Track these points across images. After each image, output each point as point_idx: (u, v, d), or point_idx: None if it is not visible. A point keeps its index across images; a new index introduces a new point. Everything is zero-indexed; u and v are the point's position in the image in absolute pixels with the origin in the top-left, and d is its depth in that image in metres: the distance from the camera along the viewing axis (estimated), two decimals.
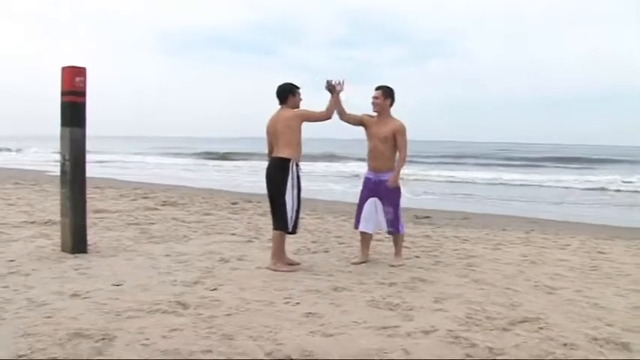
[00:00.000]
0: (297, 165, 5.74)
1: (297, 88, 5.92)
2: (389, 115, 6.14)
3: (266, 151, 6.04)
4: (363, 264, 6.18)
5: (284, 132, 5.74)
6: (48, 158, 34.28)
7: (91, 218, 8.87)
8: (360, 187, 6.34)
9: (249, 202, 12.51)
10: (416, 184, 19.91)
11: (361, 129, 6.24)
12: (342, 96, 5.97)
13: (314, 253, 6.82)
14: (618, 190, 19.86)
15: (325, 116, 5.85)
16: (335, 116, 6.01)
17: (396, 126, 6.06)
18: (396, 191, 6.15)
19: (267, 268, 5.75)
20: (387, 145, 6.08)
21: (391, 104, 6.15)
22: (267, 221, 7.92)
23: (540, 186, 21.88)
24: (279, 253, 5.82)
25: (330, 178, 25.09)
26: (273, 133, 5.87)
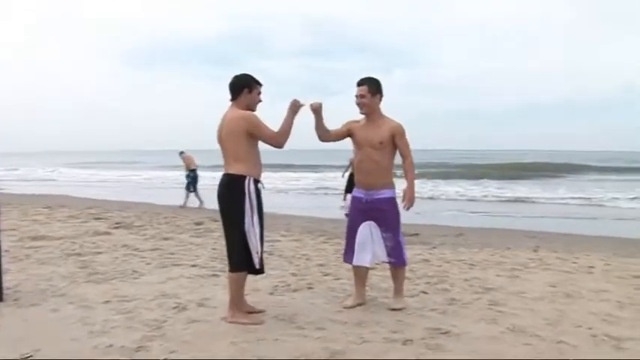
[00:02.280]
0: (255, 182, 4.36)
1: (258, 83, 4.51)
2: (381, 115, 4.85)
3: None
4: (358, 307, 4.86)
5: (228, 139, 4.36)
6: None
7: (25, 249, 7.50)
8: (345, 207, 5.02)
9: (216, 221, 11.07)
10: None
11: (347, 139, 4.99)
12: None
13: (295, 291, 5.45)
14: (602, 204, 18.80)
15: (275, 141, 4.38)
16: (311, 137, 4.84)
17: (392, 127, 4.78)
18: (394, 211, 4.84)
19: (224, 319, 4.40)
20: (384, 152, 4.78)
21: (380, 100, 4.86)
22: None
23: (519, 199, 20.88)
24: (237, 299, 4.45)
25: (294, 192, 23.73)
26: (219, 141, 4.47)
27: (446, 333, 4.09)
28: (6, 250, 7.22)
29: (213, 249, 7.73)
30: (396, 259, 4.83)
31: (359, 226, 4.86)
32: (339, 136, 4.94)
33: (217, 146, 4.50)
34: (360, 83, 4.82)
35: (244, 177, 4.30)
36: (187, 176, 16.59)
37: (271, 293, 5.31)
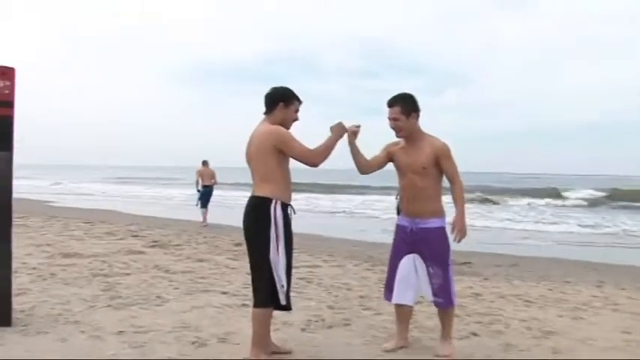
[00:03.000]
0: (283, 207, 3.84)
1: (297, 99, 4.02)
2: (421, 135, 4.25)
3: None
4: (400, 350, 4.26)
5: (256, 158, 3.87)
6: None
7: (53, 266, 7.19)
8: (392, 237, 4.45)
9: None
10: None
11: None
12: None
13: (329, 327, 4.88)
14: None
15: (311, 158, 3.87)
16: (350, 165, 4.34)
17: (436, 148, 4.17)
18: (443, 243, 4.21)
19: None
20: (428, 177, 4.18)
21: (417, 118, 4.25)
22: None
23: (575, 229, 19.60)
24: (262, 339, 3.88)
25: (340, 214, 23.07)
26: (248, 159, 4.00)
27: None
28: (33, 268, 6.99)
29: (248, 274, 7.23)
30: (444, 300, 4.19)
31: (402, 258, 4.27)
32: (380, 164, 4.39)
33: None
34: (391, 104, 4.20)
35: (271, 200, 3.79)
36: (198, 191, 15.98)
37: (303, 329, 4.77)
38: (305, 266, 8.36)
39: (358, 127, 4.19)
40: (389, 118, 4.21)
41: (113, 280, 6.53)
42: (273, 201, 3.79)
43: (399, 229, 4.35)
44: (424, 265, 4.19)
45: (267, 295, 3.81)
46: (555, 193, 36.14)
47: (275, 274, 3.78)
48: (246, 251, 3.97)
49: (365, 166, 4.32)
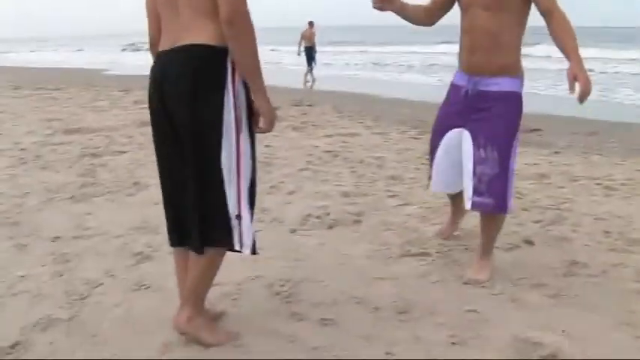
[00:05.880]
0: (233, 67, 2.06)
1: None
2: None
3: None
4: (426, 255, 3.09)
5: None
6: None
7: (47, 146, 6.34)
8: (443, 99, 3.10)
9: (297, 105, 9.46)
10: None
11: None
12: None
13: (330, 227, 3.67)
14: None
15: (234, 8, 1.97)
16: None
17: None
18: (512, 113, 2.80)
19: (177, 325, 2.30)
20: (505, 15, 2.70)
21: None
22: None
23: None
24: (201, 297, 2.31)
25: (397, 68, 20.83)
26: None
27: (553, 355, 2.18)
28: (22, 149, 6.14)
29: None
30: (494, 201, 2.78)
31: (446, 132, 2.95)
32: (445, 5, 3.00)
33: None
34: None
35: (223, 52, 2.04)
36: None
37: (293, 231, 3.60)
38: (339, 134, 7.15)
39: None
40: None
41: (100, 161, 5.56)
42: (225, 54, 2.05)
43: (454, 89, 2.97)
44: (471, 144, 2.81)
45: (215, 226, 2.14)
46: None
47: (227, 195, 2.11)
48: (162, 153, 2.23)
49: (419, 16, 3.04)
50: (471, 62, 2.83)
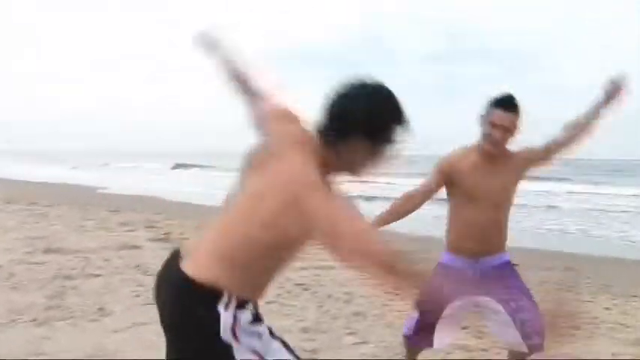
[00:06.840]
0: (239, 304, 1.69)
1: (398, 120, 1.75)
2: (506, 151, 3.01)
3: None
4: None
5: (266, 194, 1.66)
6: None
7: (23, 264, 6.43)
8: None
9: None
10: None
11: None
12: None
13: None
14: None
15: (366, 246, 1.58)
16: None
17: (523, 160, 3.05)
18: (516, 271, 3.13)
19: None
20: (507, 204, 3.06)
21: None
22: None
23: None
24: None
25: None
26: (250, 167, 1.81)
27: None
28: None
29: None
30: (540, 338, 2.85)
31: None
32: (428, 197, 3.11)
33: None
34: (510, 107, 2.88)
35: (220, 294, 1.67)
36: None
37: None
38: (314, 267, 7.24)
39: None
40: (494, 124, 2.88)
41: (72, 283, 5.65)
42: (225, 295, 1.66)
43: (449, 272, 3.04)
44: (499, 304, 2.97)
45: None
46: None
47: None
48: None
49: (409, 211, 3.09)
50: (477, 249, 3.02)
